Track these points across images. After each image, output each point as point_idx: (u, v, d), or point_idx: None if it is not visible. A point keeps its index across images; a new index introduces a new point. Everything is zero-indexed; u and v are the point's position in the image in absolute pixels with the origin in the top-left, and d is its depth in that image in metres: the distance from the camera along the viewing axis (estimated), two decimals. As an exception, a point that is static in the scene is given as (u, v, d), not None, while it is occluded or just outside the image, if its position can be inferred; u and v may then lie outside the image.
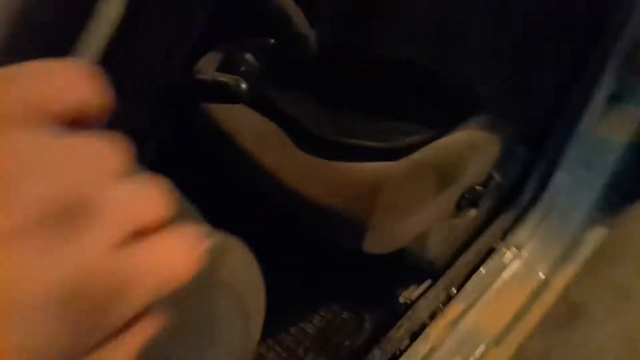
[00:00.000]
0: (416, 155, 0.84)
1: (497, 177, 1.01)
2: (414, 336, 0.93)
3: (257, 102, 0.92)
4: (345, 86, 0.99)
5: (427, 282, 0.98)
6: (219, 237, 0.54)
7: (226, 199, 1.15)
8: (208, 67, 0.61)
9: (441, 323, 0.92)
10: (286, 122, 0.88)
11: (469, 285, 0.93)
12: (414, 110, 0.97)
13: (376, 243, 0.84)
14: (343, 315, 1.06)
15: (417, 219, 0.84)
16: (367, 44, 1.11)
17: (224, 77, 0.55)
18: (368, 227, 0.80)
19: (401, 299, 1.01)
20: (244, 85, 0.54)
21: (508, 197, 1.03)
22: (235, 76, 0.55)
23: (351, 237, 0.84)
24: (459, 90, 1.00)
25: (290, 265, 1.14)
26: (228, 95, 0.55)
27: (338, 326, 1.04)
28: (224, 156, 0.91)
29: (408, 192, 0.82)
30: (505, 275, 0.95)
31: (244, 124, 0.91)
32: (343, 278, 1.08)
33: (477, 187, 0.96)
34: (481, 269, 0.95)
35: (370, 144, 0.83)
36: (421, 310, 0.92)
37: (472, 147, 0.90)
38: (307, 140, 0.85)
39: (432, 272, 0.98)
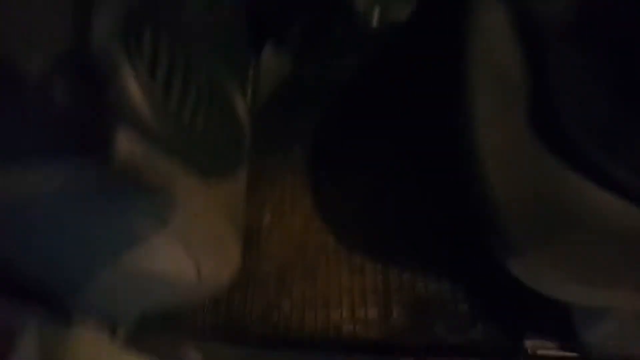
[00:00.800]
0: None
1: None
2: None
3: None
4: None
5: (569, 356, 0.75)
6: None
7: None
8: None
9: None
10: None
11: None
12: None
13: (524, 277, 0.63)
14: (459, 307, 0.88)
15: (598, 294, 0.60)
16: None
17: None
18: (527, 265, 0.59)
19: (528, 345, 0.80)
20: (376, 14, 0.37)
21: None
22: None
23: (501, 256, 0.63)
24: None
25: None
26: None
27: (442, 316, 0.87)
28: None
29: (607, 266, 0.57)
30: None
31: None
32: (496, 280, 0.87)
33: None
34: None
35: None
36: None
37: None
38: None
39: (582, 352, 0.74)
